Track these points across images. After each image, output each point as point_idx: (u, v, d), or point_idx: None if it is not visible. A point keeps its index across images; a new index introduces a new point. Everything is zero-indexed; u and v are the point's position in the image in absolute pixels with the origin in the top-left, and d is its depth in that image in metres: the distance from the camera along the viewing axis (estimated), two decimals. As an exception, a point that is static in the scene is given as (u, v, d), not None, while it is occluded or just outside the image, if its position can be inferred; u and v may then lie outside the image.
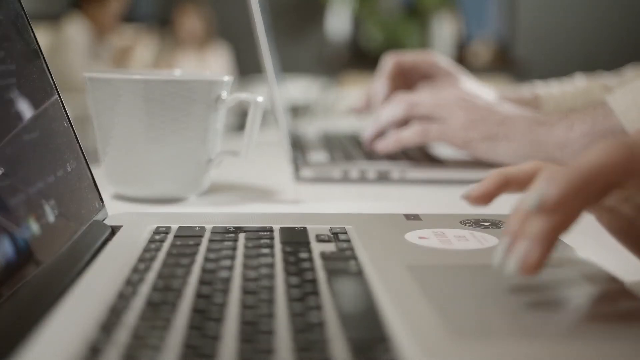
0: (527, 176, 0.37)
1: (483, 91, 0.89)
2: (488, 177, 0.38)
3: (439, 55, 0.95)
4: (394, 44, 4.33)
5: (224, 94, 0.62)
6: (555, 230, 0.31)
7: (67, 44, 3.06)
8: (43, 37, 2.91)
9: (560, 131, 0.68)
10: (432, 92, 0.78)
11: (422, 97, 0.76)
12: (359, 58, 4.66)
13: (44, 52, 0.45)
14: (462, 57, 4.54)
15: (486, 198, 0.37)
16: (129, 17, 3.67)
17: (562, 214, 0.31)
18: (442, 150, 0.87)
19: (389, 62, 0.93)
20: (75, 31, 3.11)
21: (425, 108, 0.75)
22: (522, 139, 0.70)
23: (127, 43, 3.47)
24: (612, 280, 0.36)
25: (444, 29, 4.64)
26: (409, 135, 0.75)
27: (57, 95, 0.45)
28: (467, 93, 0.77)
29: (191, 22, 3.83)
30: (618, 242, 0.39)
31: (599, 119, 0.67)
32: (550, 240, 0.31)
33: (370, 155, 0.81)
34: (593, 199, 0.32)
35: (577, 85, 0.92)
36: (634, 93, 0.65)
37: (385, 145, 0.77)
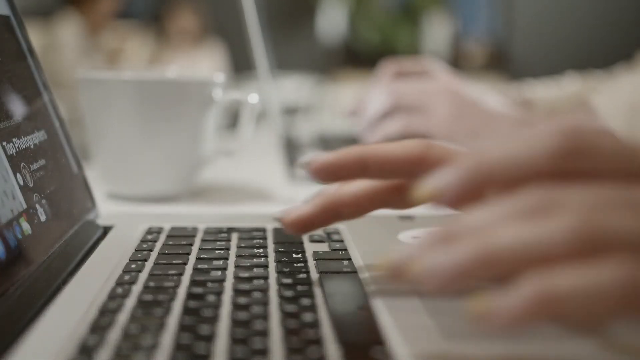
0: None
1: (479, 93, 0.89)
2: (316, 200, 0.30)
3: (436, 64, 0.95)
4: (388, 42, 4.33)
5: (217, 94, 0.62)
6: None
7: (59, 45, 3.04)
8: (36, 34, 2.90)
9: None
10: (418, 82, 0.78)
11: (408, 87, 0.77)
12: (353, 56, 4.66)
13: (36, 51, 0.45)
14: (456, 56, 4.55)
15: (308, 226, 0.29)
16: (123, 13, 3.66)
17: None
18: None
19: (387, 70, 0.92)
20: (68, 32, 3.09)
21: (411, 97, 0.76)
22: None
23: (117, 45, 3.45)
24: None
25: (438, 28, 4.64)
26: (392, 129, 0.76)
27: (49, 95, 0.45)
28: (455, 85, 0.77)
29: (185, 18, 3.81)
30: None
31: (583, 119, 0.67)
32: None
33: None
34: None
35: (570, 89, 0.92)
36: (618, 93, 0.66)
37: (372, 140, 0.79)
